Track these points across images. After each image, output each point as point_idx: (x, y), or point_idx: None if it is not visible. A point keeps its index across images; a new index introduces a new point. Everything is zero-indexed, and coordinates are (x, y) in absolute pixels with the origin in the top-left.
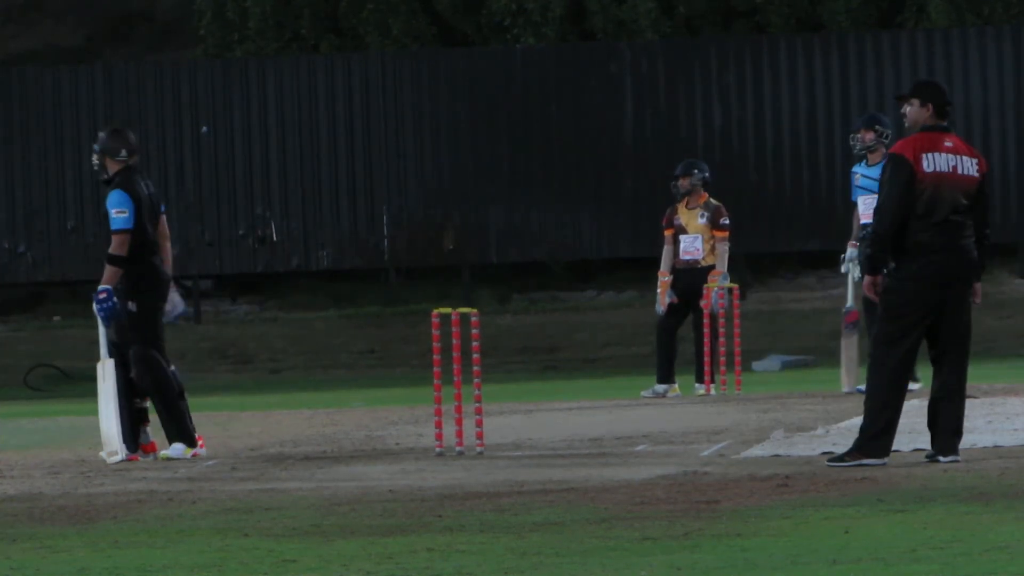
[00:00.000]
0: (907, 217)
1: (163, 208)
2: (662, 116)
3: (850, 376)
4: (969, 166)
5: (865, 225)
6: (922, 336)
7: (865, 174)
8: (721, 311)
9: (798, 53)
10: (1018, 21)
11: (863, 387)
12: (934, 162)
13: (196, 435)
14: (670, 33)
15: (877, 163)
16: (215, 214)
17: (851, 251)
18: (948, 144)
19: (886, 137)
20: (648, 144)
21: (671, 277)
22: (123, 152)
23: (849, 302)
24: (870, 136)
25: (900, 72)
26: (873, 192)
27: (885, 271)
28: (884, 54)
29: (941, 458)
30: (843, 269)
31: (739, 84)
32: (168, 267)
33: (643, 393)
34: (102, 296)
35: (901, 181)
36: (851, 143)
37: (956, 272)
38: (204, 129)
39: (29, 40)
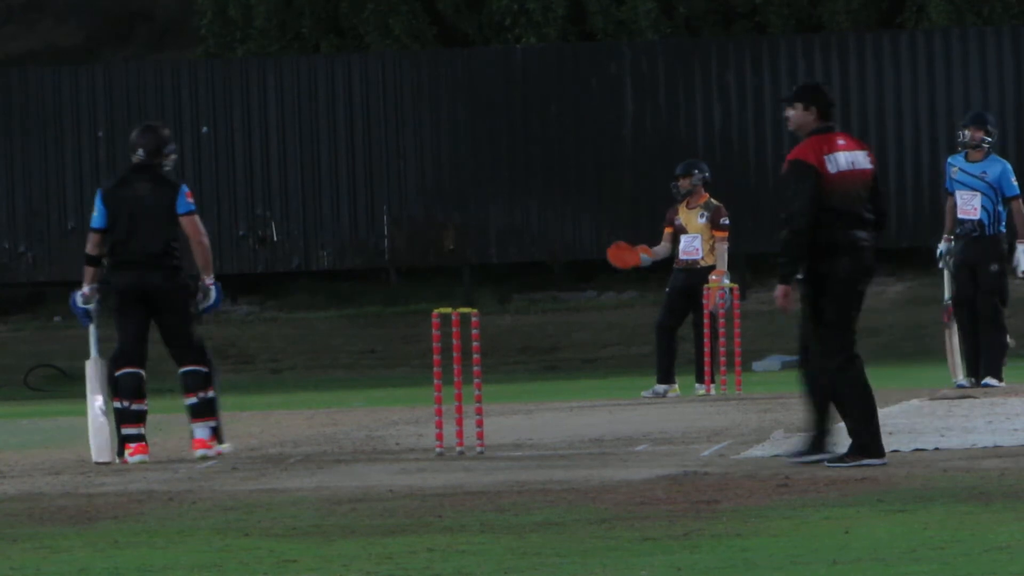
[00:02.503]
0: (819, 220)
1: (184, 209)
2: (662, 116)
3: (956, 368)
4: (863, 160)
5: (962, 220)
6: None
7: (964, 168)
8: (722, 311)
9: (798, 53)
10: (1018, 21)
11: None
12: (836, 162)
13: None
14: (670, 33)
15: (977, 160)
16: (215, 214)
17: (946, 245)
18: (841, 142)
19: (993, 136)
20: (648, 144)
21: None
22: (136, 151)
23: (947, 296)
24: (980, 134)
25: (900, 72)
26: (971, 188)
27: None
28: (884, 54)
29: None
30: (941, 264)
31: (739, 84)
32: (202, 265)
33: (643, 393)
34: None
35: (809, 186)
36: (958, 138)
37: (871, 265)
38: (204, 129)
39: (29, 40)
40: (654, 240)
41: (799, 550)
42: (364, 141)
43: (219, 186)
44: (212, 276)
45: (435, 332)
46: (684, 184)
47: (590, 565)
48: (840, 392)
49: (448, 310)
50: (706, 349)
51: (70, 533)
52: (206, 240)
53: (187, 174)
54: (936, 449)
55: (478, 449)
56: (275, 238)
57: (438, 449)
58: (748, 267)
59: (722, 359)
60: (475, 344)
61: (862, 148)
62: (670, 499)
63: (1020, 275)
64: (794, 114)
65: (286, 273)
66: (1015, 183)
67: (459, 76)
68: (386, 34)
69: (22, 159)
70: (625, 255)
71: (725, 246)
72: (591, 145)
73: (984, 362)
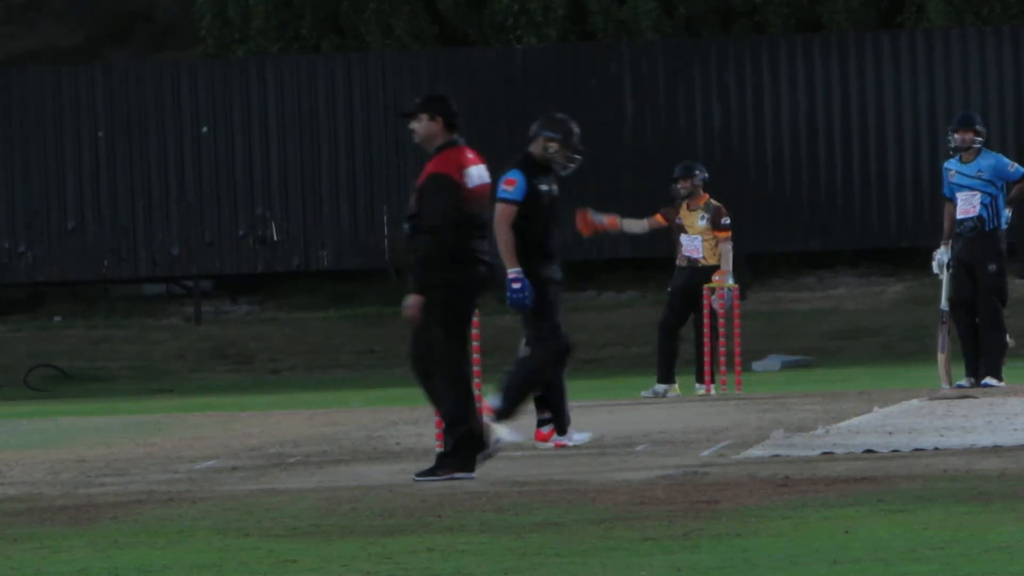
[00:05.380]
0: (460, 232)
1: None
2: (662, 116)
3: (947, 375)
4: (487, 175)
5: (961, 220)
6: None
7: (960, 170)
8: (722, 311)
9: (798, 53)
10: (1017, 21)
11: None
12: (471, 177)
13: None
14: (670, 33)
15: (971, 160)
16: (215, 214)
17: (943, 252)
18: (471, 156)
19: (982, 135)
20: (648, 144)
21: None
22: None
23: (943, 303)
24: (970, 136)
25: (900, 72)
26: (970, 188)
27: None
28: (884, 54)
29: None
30: (935, 270)
31: (739, 84)
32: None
33: (643, 393)
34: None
35: (451, 199)
36: (949, 143)
37: (489, 279)
38: (204, 129)
39: (29, 40)
40: (654, 240)
41: (799, 550)
42: (364, 141)
43: (219, 186)
44: None
45: None
46: (685, 186)
47: (590, 565)
48: (450, 396)
49: None
50: (706, 349)
51: (70, 533)
52: None
53: (187, 174)
54: (936, 449)
55: None
56: (275, 238)
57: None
58: (748, 267)
59: (722, 359)
60: (475, 344)
61: (483, 163)
62: (670, 499)
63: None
64: (419, 126)
65: (286, 273)
66: (1015, 166)
67: (459, 76)
68: (387, 34)
69: (22, 159)
70: (588, 219)
71: (729, 246)
72: (591, 145)
73: (984, 362)
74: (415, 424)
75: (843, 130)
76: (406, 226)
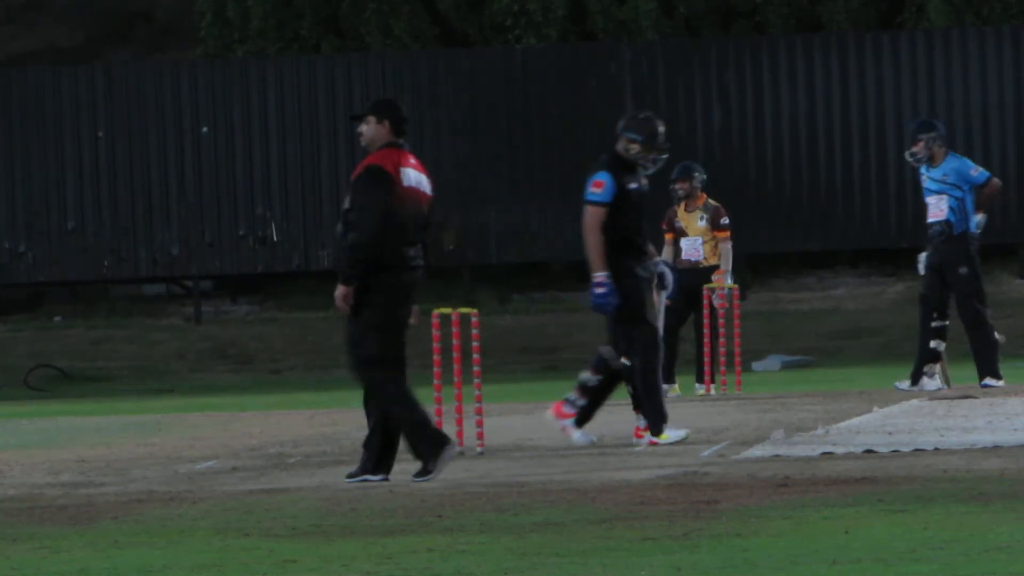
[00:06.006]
0: (388, 231)
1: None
2: (662, 116)
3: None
4: (426, 184)
5: (931, 223)
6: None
7: (930, 175)
8: (721, 311)
9: (798, 53)
10: (1017, 21)
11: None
12: (408, 177)
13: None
14: (670, 33)
15: (938, 164)
16: (215, 214)
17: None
18: (412, 161)
19: (936, 141)
20: None
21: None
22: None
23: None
24: (919, 147)
25: (900, 72)
26: (938, 192)
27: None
28: (883, 54)
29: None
30: (921, 271)
31: (739, 84)
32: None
33: None
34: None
35: (383, 193)
36: (907, 158)
37: (415, 289)
38: (204, 129)
39: (29, 40)
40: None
41: (799, 550)
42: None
43: (219, 186)
44: None
45: (435, 332)
46: (683, 187)
47: (590, 565)
48: (385, 402)
49: (448, 310)
50: (706, 349)
51: (70, 533)
52: None
53: (187, 174)
54: (936, 449)
55: (478, 449)
56: (275, 238)
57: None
58: (748, 267)
59: (722, 359)
60: (475, 344)
61: (426, 174)
62: (670, 499)
63: (975, 229)
64: (367, 128)
65: (286, 273)
66: (978, 170)
67: (459, 76)
68: (387, 34)
69: (22, 159)
70: None
71: (728, 245)
72: (591, 145)
73: (979, 363)
74: None
75: (843, 130)
76: (339, 225)
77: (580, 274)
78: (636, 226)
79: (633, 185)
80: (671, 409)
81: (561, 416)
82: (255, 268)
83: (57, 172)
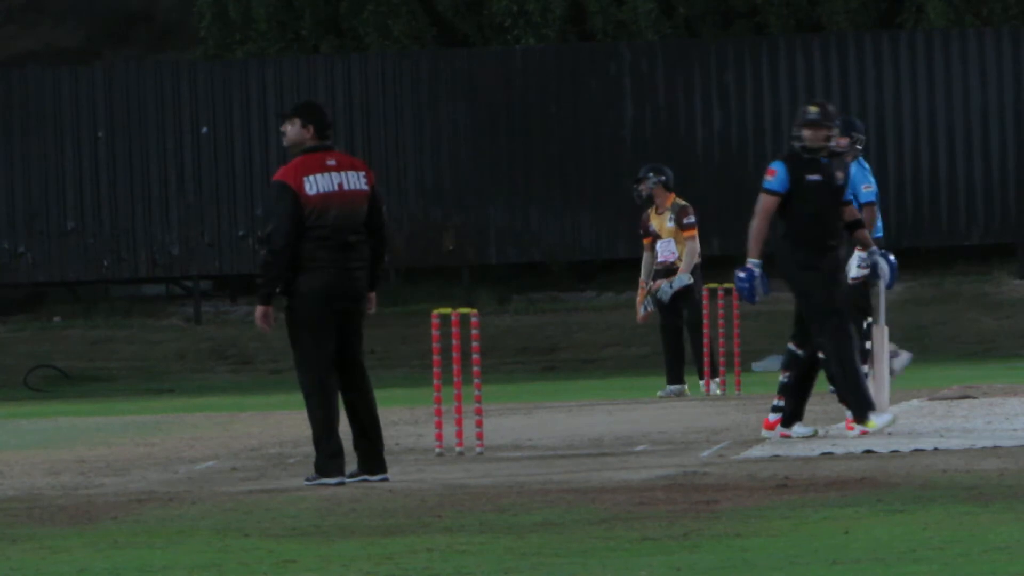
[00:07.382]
0: (299, 240)
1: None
2: (662, 116)
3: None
4: (356, 180)
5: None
6: (333, 349)
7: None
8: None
9: (798, 54)
10: (1017, 22)
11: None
12: (317, 183)
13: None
14: (670, 34)
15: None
16: (215, 214)
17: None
18: (331, 163)
19: (859, 143)
20: (648, 144)
21: (650, 286)
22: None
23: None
24: (844, 142)
25: (899, 72)
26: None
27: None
28: (883, 55)
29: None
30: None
31: (739, 84)
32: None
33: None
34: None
35: (287, 207)
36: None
37: (344, 291)
38: (204, 129)
39: (29, 40)
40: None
41: (799, 550)
42: (364, 141)
43: (219, 186)
44: None
45: (435, 332)
46: (644, 188)
47: (590, 565)
48: (312, 403)
49: (448, 310)
50: (705, 350)
51: (70, 533)
52: None
53: (187, 174)
54: (936, 450)
55: (478, 449)
56: None
57: (438, 449)
58: None
59: (722, 359)
60: (475, 344)
61: (358, 169)
62: (670, 499)
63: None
64: (291, 130)
65: None
66: (870, 187)
67: (459, 76)
68: (386, 35)
69: (22, 159)
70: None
71: (693, 244)
72: (591, 145)
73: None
74: (415, 424)
75: (841, 129)
76: (259, 232)
77: (579, 274)
78: (814, 221)
79: (812, 177)
80: (682, 407)
81: (770, 427)
82: (255, 268)
83: (57, 172)
